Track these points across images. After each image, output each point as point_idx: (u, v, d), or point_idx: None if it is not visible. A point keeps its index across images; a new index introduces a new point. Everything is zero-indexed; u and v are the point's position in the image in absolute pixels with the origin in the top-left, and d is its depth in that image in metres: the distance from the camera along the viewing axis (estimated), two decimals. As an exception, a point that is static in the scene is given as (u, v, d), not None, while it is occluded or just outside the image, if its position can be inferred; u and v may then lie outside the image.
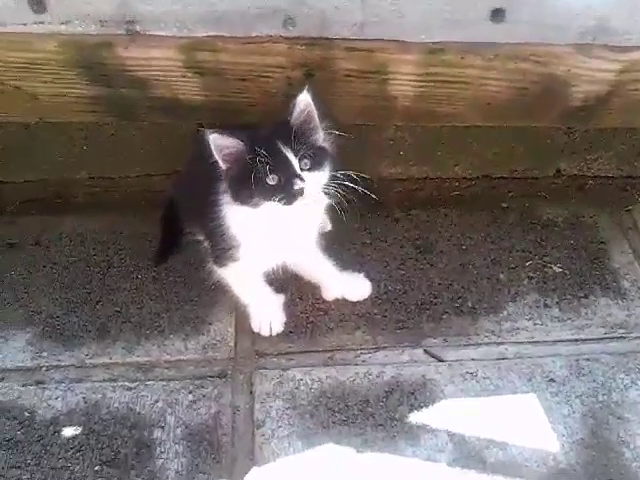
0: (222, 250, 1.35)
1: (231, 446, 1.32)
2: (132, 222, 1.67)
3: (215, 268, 1.43)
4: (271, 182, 1.20)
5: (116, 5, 1.26)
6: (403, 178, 1.75)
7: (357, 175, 1.25)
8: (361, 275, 1.55)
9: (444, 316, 1.54)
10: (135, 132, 1.63)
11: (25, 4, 1.25)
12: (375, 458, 1.31)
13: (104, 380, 1.41)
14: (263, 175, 1.19)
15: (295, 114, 1.21)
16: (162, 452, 1.31)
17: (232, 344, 1.48)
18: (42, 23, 1.28)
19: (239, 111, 1.47)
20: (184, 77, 1.39)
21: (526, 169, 1.77)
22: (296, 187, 1.20)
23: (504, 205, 1.76)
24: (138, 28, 1.30)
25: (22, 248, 1.63)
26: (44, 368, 1.43)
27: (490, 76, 1.40)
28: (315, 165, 1.23)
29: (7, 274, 1.58)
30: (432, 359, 1.47)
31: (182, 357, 1.46)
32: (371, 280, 1.56)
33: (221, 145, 1.19)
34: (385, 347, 1.48)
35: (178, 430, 1.34)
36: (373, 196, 1.34)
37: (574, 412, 1.38)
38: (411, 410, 1.38)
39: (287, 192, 1.21)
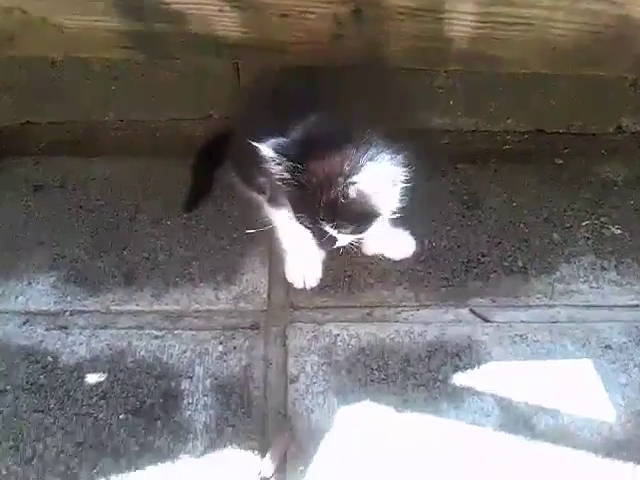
0: (277, 194, 1.23)
1: (263, 400, 1.24)
2: (162, 167, 1.59)
3: (267, 207, 1.30)
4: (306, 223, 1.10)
5: None
6: (451, 129, 1.64)
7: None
8: (406, 232, 1.44)
9: (492, 275, 1.43)
10: (167, 73, 1.54)
11: None
12: (416, 419, 1.22)
13: (130, 327, 1.34)
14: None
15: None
16: (190, 403, 1.24)
17: (265, 296, 1.39)
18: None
19: (280, 50, 1.37)
20: (221, 11, 1.29)
21: (584, 124, 1.64)
22: (325, 240, 1.11)
23: (559, 162, 1.64)
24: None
25: (47, 191, 1.56)
26: (68, 313, 1.36)
27: (557, 17, 1.27)
28: (356, 231, 1.11)
29: (32, 217, 1.51)
30: (478, 319, 1.36)
31: (212, 307, 1.38)
32: (414, 235, 1.45)
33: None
34: (428, 305, 1.38)
35: (207, 382, 1.26)
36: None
37: (632, 381, 1.27)
38: (455, 371, 1.28)
39: (318, 239, 1.11)
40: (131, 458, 1.17)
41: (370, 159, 1.04)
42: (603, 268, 1.45)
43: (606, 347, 1.32)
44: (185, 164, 1.55)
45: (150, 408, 1.23)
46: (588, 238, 1.50)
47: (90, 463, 1.16)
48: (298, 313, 1.37)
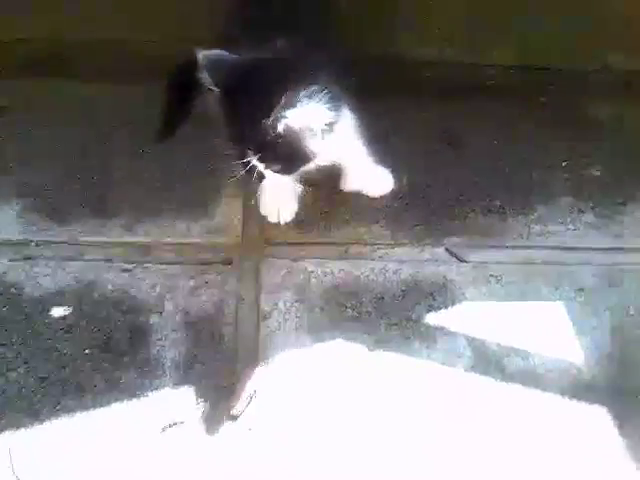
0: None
1: (234, 337, 1.23)
2: (139, 92, 1.48)
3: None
4: None
5: None
6: (434, 62, 1.57)
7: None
8: (384, 169, 1.40)
9: (470, 215, 1.41)
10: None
11: None
12: (388, 357, 1.21)
13: (98, 260, 1.30)
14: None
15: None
16: (158, 339, 1.22)
17: (239, 230, 1.36)
18: None
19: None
20: None
21: (571, 60, 1.59)
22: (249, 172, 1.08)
23: (542, 99, 1.60)
24: None
25: (12, 113, 1.49)
26: (33, 243, 1.32)
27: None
28: (282, 171, 1.09)
29: (-5, 140, 1.44)
30: (454, 259, 1.35)
31: (184, 240, 1.34)
32: (393, 170, 1.42)
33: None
34: (404, 244, 1.36)
35: (177, 317, 1.24)
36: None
37: (602, 325, 1.27)
38: (429, 311, 1.28)
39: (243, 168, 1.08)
40: (96, 395, 1.14)
41: (308, 97, 1.01)
42: (580, 210, 1.44)
43: (579, 290, 1.32)
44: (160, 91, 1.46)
45: (117, 343, 1.21)
46: (567, 179, 1.48)
47: (53, 399, 1.14)
48: (272, 249, 1.34)
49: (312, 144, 1.04)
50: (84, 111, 1.50)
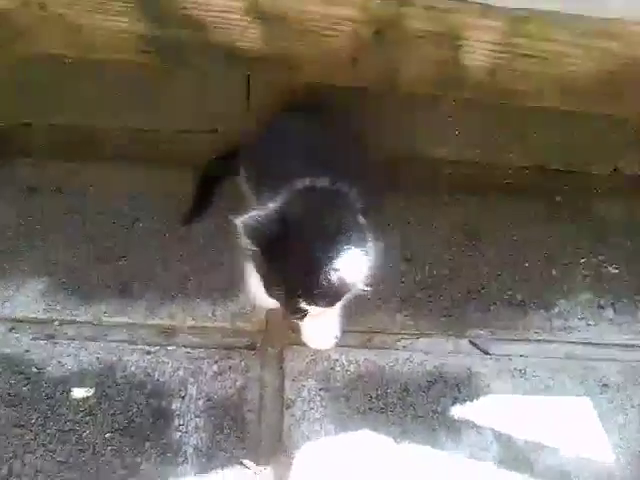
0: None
1: (257, 425, 1.20)
2: (163, 179, 1.54)
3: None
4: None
5: None
6: (454, 160, 1.64)
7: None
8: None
9: (492, 307, 1.42)
10: (176, 81, 1.51)
11: None
12: (414, 450, 1.19)
13: (122, 341, 1.29)
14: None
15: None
16: (181, 424, 1.19)
17: (263, 316, 1.36)
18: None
19: (294, 67, 1.35)
20: (244, 22, 1.27)
21: (584, 163, 1.66)
22: (295, 312, 1.11)
23: (558, 199, 1.65)
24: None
25: (43, 194, 1.51)
26: (57, 322, 1.31)
27: (576, 54, 1.28)
28: (327, 305, 1.11)
29: (24, 220, 1.46)
30: (478, 351, 1.35)
31: (208, 324, 1.34)
32: (414, 261, 1.46)
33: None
34: (428, 334, 1.37)
35: (200, 402, 1.22)
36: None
37: (630, 421, 1.27)
38: (454, 403, 1.26)
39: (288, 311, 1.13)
40: (115, 482, 1.11)
41: (353, 246, 1.05)
42: (600, 306, 1.45)
43: (604, 385, 1.32)
44: (186, 177, 1.53)
45: (139, 427, 1.18)
46: (586, 276, 1.50)
47: (71, 485, 1.10)
48: (296, 335, 1.33)
49: (352, 278, 1.07)
50: (112, 194, 1.53)
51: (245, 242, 1.07)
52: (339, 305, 1.15)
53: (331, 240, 1.06)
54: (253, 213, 1.08)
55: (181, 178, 1.53)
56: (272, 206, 1.10)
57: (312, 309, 1.10)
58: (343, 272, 1.03)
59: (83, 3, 1.25)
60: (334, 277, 1.03)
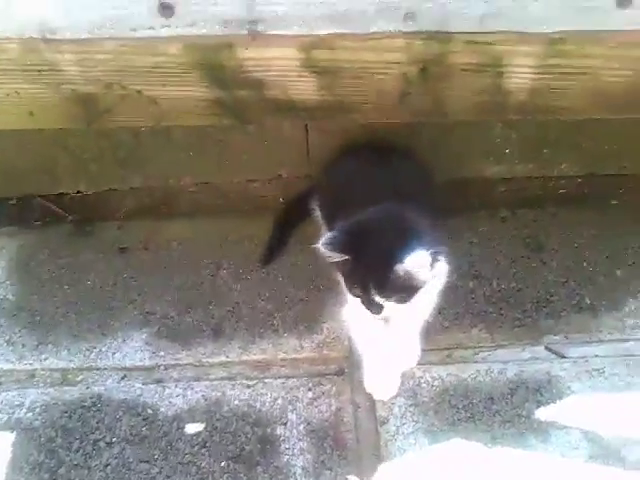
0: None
1: (356, 443, 1.30)
2: (236, 226, 1.69)
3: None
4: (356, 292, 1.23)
5: (240, 5, 1.29)
6: (507, 177, 1.72)
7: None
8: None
9: (563, 313, 1.49)
10: (240, 136, 1.65)
11: (155, 10, 1.29)
12: (506, 454, 1.26)
13: (222, 378, 1.41)
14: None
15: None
16: (287, 448, 1.30)
17: (346, 342, 1.46)
18: (169, 27, 1.31)
19: (351, 110, 1.47)
20: (300, 76, 1.40)
21: (636, 165, 1.72)
22: (373, 307, 1.22)
23: (614, 202, 1.72)
24: (260, 28, 1.32)
25: (132, 252, 1.66)
26: (162, 367, 1.44)
27: (612, 66, 1.37)
28: (401, 300, 1.21)
29: (119, 277, 1.61)
30: (554, 356, 1.42)
31: (298, 355, 1.45)
32: (482, 278, 1.54)
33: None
34: (504, 345, 1.44)
35: (301, 427, 1.33)
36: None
37: None
38: (538, 407, 1.33)
39: (367, 306, 1.23)
40: (235, 506, 1.22)
41: (419, 248, 1.15)
42: (670, 303, 1.51)
43: (683, 379, 1.37)
44: (257, 222, 1.65)
45: (249, 454, 1.29)
46: (652, 274, 1.56)
47: (197, 512, 1.21)
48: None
49: (423, 276, 1.17)
50: (193, 245, 1.67)
51: (327, 255, 1.18)
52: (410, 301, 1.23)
53: (400, 242, 1.16)
54: (330, 235, 1.20)
55: (254, 223, 1.66)
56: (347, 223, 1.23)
57: (387, 304, 1.20)
58: (410, 267, 1.14)
59: (157, 78, 1.41)
60: (402, 271, 1.14)
